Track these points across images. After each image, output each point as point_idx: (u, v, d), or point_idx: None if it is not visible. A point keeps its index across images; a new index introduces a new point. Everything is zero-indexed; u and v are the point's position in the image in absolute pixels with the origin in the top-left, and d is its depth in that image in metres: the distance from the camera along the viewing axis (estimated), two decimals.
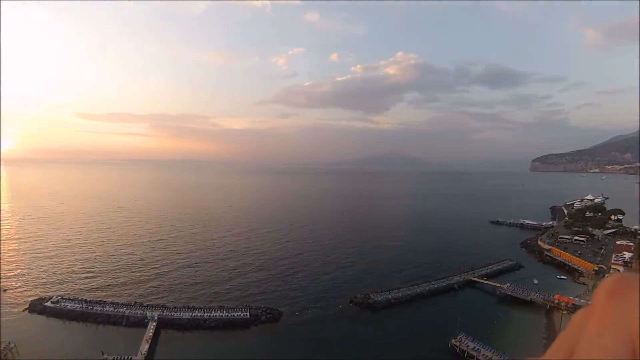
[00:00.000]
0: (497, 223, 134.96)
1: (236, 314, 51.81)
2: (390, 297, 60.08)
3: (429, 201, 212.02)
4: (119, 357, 42.03)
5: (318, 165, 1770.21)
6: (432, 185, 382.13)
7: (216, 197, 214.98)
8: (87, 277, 69.31)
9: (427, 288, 65.16)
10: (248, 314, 51.75)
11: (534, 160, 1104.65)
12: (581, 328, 0.41)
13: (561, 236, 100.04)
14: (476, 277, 70.71)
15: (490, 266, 77.81)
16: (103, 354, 42.58)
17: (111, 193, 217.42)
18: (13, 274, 70.60)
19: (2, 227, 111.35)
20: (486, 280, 69.35)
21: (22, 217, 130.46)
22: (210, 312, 52.79)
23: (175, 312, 53.14)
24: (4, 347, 43.33)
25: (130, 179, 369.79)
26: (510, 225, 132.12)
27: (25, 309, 55.91)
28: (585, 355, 0.39)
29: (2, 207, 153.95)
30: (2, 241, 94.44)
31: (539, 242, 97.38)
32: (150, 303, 57.33)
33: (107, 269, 73.76)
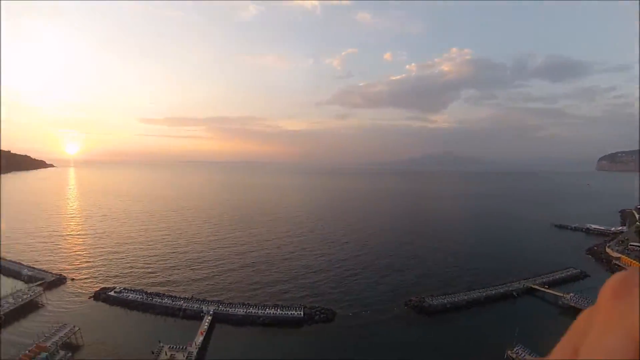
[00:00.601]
0: (561, 227, 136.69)
1: (290, 312, 55.24)
2: (445, 301, 62.00)
3: (488, 202, 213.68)
4: (174, 346, 45.98)
5: (374, 165, 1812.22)
6: (490, 186, 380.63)
7: (275, 197, 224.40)
8: (147, 272, 76.53)
9: (484, 294, 66.47)
10: (302, 313, 54.96)
11: (600, 159, 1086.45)
12: (586, 328, 0.43)
13: (632, 243, 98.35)
14: (537, 284, 71.21)
15: (552, 274, 78.03)
16: (160, 342, 46.74)
17: (171, 193, 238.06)
18: (80, 265, 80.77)
19: (71, 224, 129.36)
20: (547, 288, 69.45)
21: (89, 214, 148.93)
22: (265, 310, 56.59)
23: (231, 308, 57.49)
24: (69, 330, 49.16)
25: (190, 180, 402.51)
26: (575, 229, 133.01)
27: (90, 297, 63.47)
28: (590, 355, 0.42)
29: (71, 205, 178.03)
30: (71, 236, 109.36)
31: (607, 249, 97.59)
32: (207, 298, 61.90)
33: (166, 265, 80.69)
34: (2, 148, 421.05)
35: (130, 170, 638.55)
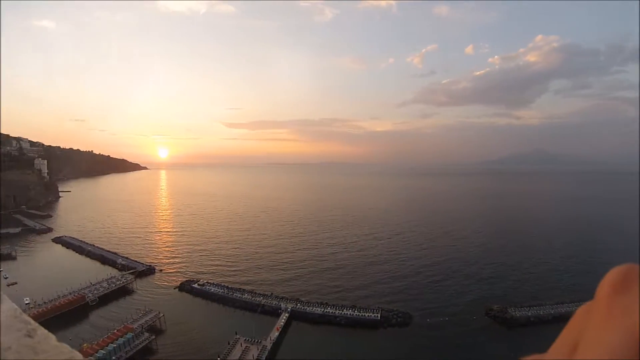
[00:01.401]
0: None
1: (367, 314, 59.19)
2: (530, 314, 61.79)
3: (585, 206, 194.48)
4: (250, 339, 50.89)
5: (459, 166, 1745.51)
6: (586, 187, 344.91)
7: (359, 199, 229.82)
8: (230, 269, 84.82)
9: (573, 308, 52.58)
10: (379, 315, 58.64)
11: None
12: (585, 323, 0.46)
13: None
14: None
15: None
16: (236, 334, 51.97)
17: (256, 194, 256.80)
18: (168, 259, 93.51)
19: (161, 221, 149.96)
20: None
21: (178, 213, 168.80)
22: (342, 310, 60.21)
23: (308, 307, 61.86)
24: (154, 315, 57.90)
25: (275, 181, 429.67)
26: None
27: (176, 287, 73.18)
28: (589, 350, 0.44)
29: (161, 204, 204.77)
30: (161, 232, 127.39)
31: None
32: (286, 296, 66.83)
33: (249, 263, 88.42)
34: (103, 153, 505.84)
35: (217, 172, 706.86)
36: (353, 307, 61.54)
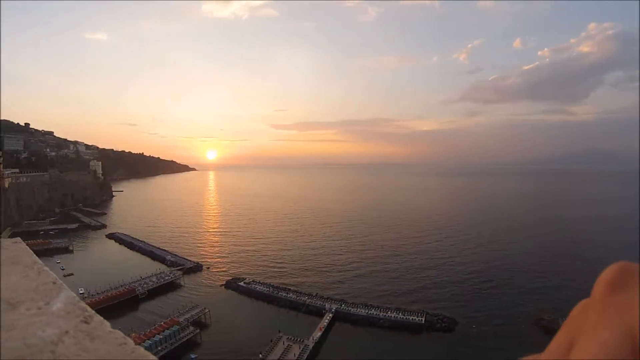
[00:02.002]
0: None
1: (411, 317, 59.74)
2: None
3: None
4: (292, 338, 52.40)
5: (510, 165, 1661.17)
6: None
7: (406, 199, 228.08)
8: (276, 269, 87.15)
9: None
10: (423, 319, 59.04)
11: None
12: (581, 321, 0.47)
13: None
14: None
15: None
16: (279, 332, 53.56)
17: (303, 194, 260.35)
18: (215, 257, 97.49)
19: (209, 220, 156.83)
20: None
21: (226, 212, 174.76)
22: (386, 313, 60.97)
23: (353, 308, 62.71)
24: (200, 310, 61.00)
25: (321, 182, 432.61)
26: None
27: (222, 285, 76.23)
28: (584, 349, 0.45)
29: (209, 203, 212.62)
30: (209, 231, 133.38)
31: None
32: (330, 296, 67.96)
33: (295, 264, 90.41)
34: (153, 155, 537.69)
35: (264, 173, 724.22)
36: (398, 309, 62.09)
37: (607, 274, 0.46)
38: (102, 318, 0.89)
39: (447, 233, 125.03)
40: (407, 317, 59.56)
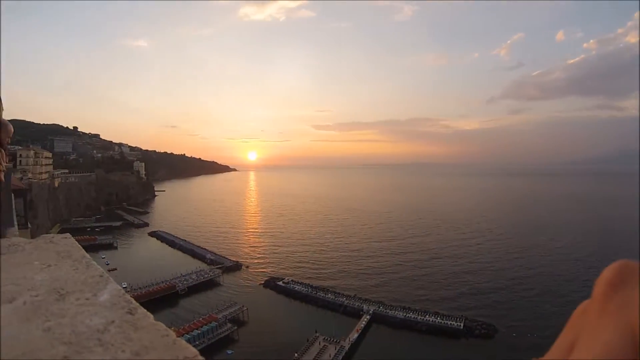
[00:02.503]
0: None
1: (449, 322, 59.67)
2: None
3: None
4: (329, 339, 53.47)
5: (554, 165, 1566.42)
6: None
7: (448, 200, 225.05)
8: (315, 269, 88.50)
9: None
10: (462, 324, 58.77)
11: None
12: (582, 322, 0.47)
13: None
14: None
15: None
16: (316, 332, 54.67)
17: (344, 195, 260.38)
18: (254, 257, 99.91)
19: (249, 220, 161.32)
20: None
21: (266, 213, 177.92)
22: (424, 316, 61.41)
23: (390, 310, 63.14)
24: (238, 308, 62.97)
25: (362, 183, 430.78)
26: None
27: (261, 284, 78.28)
28: (585, 350, 0.45)
29: (250, 204, 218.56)
30: (250, 231, 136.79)
31: None
32: (369, 298, 68.56)
33: (334, 265, 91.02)
34: (195, 156, 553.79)
35: (305, 173, 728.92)
36: (436, 313, 62.68)
37: (607, 273, 0.46)
38: (145, 310, 0.93)
39: (489, 236, 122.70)
40: (446, 321, 59.63)
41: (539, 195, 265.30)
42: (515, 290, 75.41)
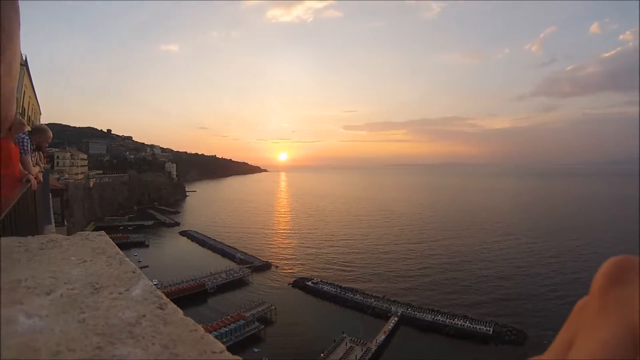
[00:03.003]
0: None
1: (478, 326, 59.60)
2: None
3: None
4: (355, 340, 54.08)
5: (592, 164, 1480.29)
6: None
7: (478, 201, 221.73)
8: (344, 270, 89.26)
9: None
10: (491, 329, 58.64)
11: None
12: (581, 319, 0.46)
13: None
14: None
15: None
16: (343, 333, 55.42)
17: (375, 196, 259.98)
18: (284, 257, 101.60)
19: (279, 220, 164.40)
20: None
21: (296, 214, 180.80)
22: (453, 320, 61.31)
23: (419, 313, 63.43)
24: (266, 307, 64.39)
25: (393, 183, 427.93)
26: None
27: (289, 284, 79.58)
28: (583, 347, 0.44)
29: (280, 204, 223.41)
30: (279, 231, 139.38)
31: None
32: (397, 299, 68.96)
33: (364, 270, 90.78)
34: (225, 157, 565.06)
35: (335, 173, 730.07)
36: (465, 317, 62.49)
37: (605, 268, 0.45)
38: (175, 306, 0.97)
39: (523, 239, 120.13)
40: (474, 326, 59.58)
41: (577, 197, 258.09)
42: (550, 297, 74.12)
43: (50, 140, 6.98)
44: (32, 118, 42.49)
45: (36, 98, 46.69)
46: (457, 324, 60.13)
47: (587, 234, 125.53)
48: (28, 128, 7.00)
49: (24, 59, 36.65)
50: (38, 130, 6.70)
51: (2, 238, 1.28)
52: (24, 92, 36.77)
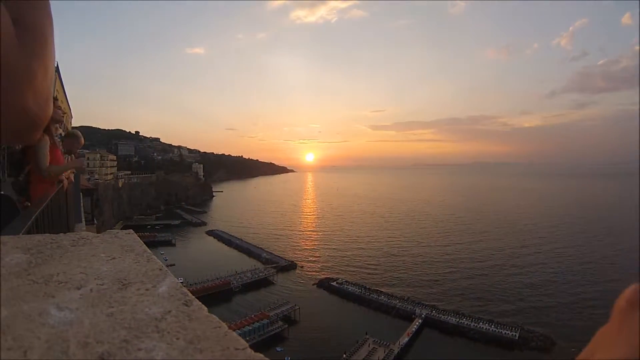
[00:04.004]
0: None
1: (504, 331, 58.87)
2: None
3: None
4: (378, 341, 54.67)
5: (627, 164, 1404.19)
6: None
7: (508, 202, 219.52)
8: (369, 271, 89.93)
9: None
10: (517, 335, 57.80)
11: None
12: (600, 341, 0.50)
13: None
14: None
15: None
16: (366, 334, 56.12)
17: (403, 196, 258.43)
18: (309, 257, 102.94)
19: (306, 221, 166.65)
20: None
21: (323, 215, 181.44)
22: (478, 323, 60.86)
23: (443, 315, 63.25)
24: (290, 307, 65.75)
25: (421, 184, 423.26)
26: None
27: (314, 284, 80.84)
28: None
29: (307, 204, 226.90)
30: (306, 232, 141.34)
31: None
32: (422, 301, 69.28)
33: (390, 273, 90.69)
34: (252, 157, 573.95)
35: (363, 174, 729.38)
36: (490, 321, 62.13)
37: (626, 294, 0.48)
38: (200, 303, 0.96)
39: (556, 244, 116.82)
40: (500, 330, 59.14)
41: (614, 199, 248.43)
42: (583, 306, 71.93)
43: (81, 145, 8.05)
44: (64, 122, 45.01)
45: (67, 102, 49.33)
46: (482, 327, 59.86)
47: (627, 241, 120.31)
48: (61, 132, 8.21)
49: (56, 64, 38.96)
50: (71, 136, 7.66)
51: (36, 235, 1.33)
52: (56, 96, 39.21)
